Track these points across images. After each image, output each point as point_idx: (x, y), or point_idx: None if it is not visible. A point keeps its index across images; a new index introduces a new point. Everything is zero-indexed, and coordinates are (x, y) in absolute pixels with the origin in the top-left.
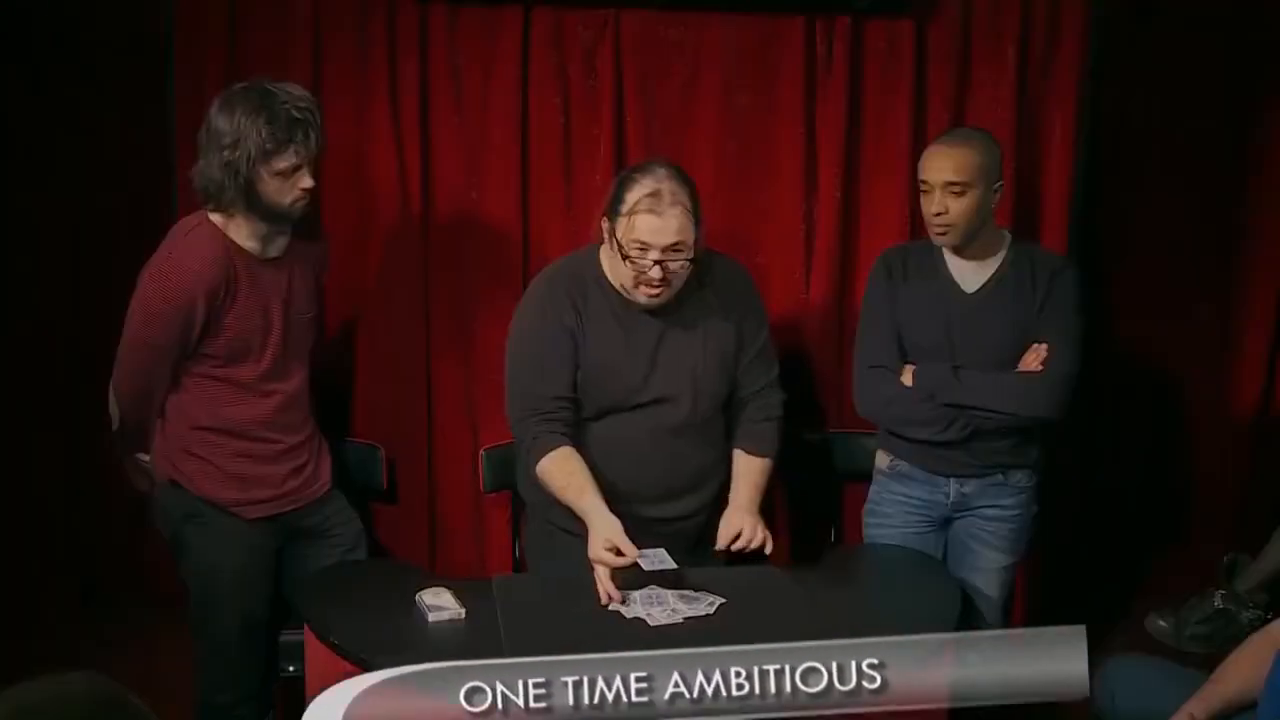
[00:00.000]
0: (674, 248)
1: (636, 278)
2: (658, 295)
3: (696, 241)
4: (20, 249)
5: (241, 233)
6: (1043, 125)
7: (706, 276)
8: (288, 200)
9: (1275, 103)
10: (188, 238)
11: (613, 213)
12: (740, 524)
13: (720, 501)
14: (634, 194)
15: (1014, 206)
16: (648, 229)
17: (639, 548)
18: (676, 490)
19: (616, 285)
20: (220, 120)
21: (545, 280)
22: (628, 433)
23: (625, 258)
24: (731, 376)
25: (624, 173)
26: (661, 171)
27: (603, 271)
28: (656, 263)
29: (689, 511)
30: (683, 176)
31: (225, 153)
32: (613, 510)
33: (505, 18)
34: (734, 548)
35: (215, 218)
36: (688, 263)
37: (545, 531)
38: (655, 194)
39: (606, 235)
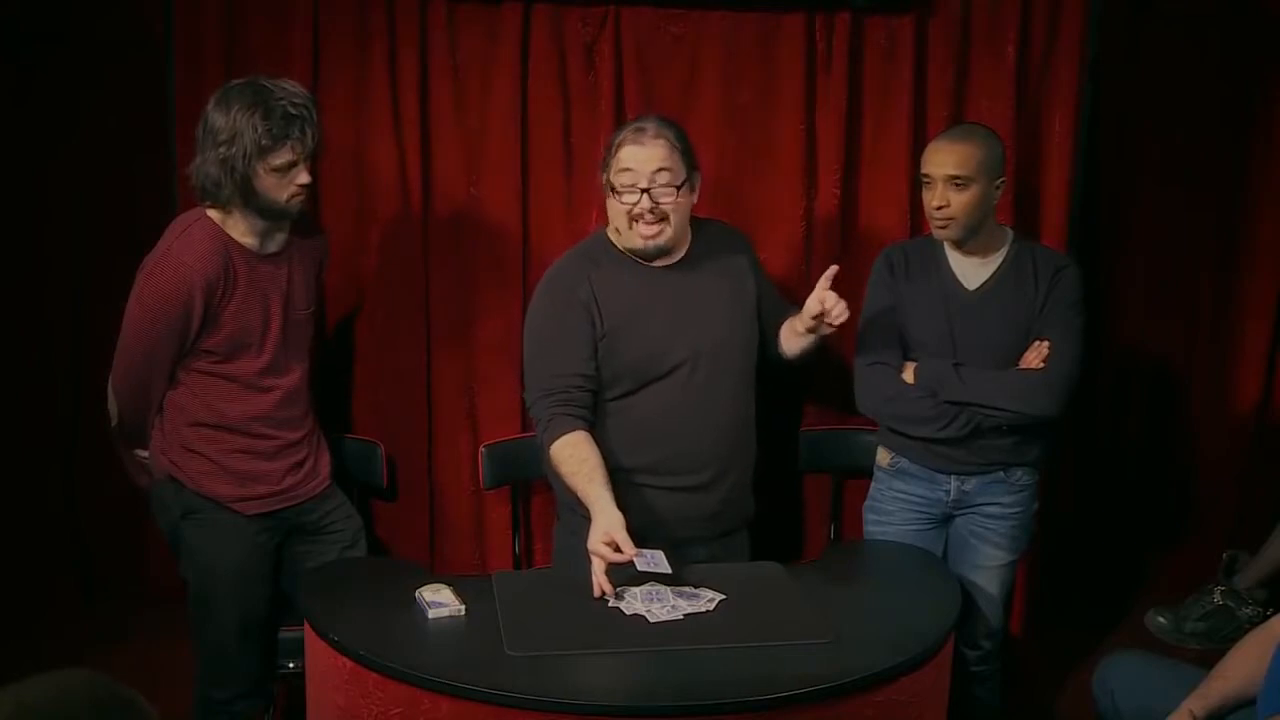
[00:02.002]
0: (659, 175)
1: (629, 212)
2: (655, 235)
3: (688, 183)
4: (20, 248)
5: (239, 229)
6: (1042, 123)
7: (711, 236)
8: (285, 196)
9: (1275, 102)
10: (185, 234)
11: (605, 163)
12: (834, 296)
13: (749, 478)
14: (621, 134)
15: (1014, 204)
16: (631, 157)
17: (645, 548)
18: (712, 456)
19: (625, 246)
20: (216, 117)
21: (556, 264)
22: (661, 404)
23: (615, 192)
24: (754, 323)
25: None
26: (649, 117)
27: (613, 244)
28: (644, 191)
29: (721, 474)
30: (671, 122)
31: (222, 149)
32: (648, 484)
33: (505, 13)
34: (832, 315)
35: (213, 214)
36: (675, 191)
37: (571, 529)
38: (639, 129)
39: (605, 189)
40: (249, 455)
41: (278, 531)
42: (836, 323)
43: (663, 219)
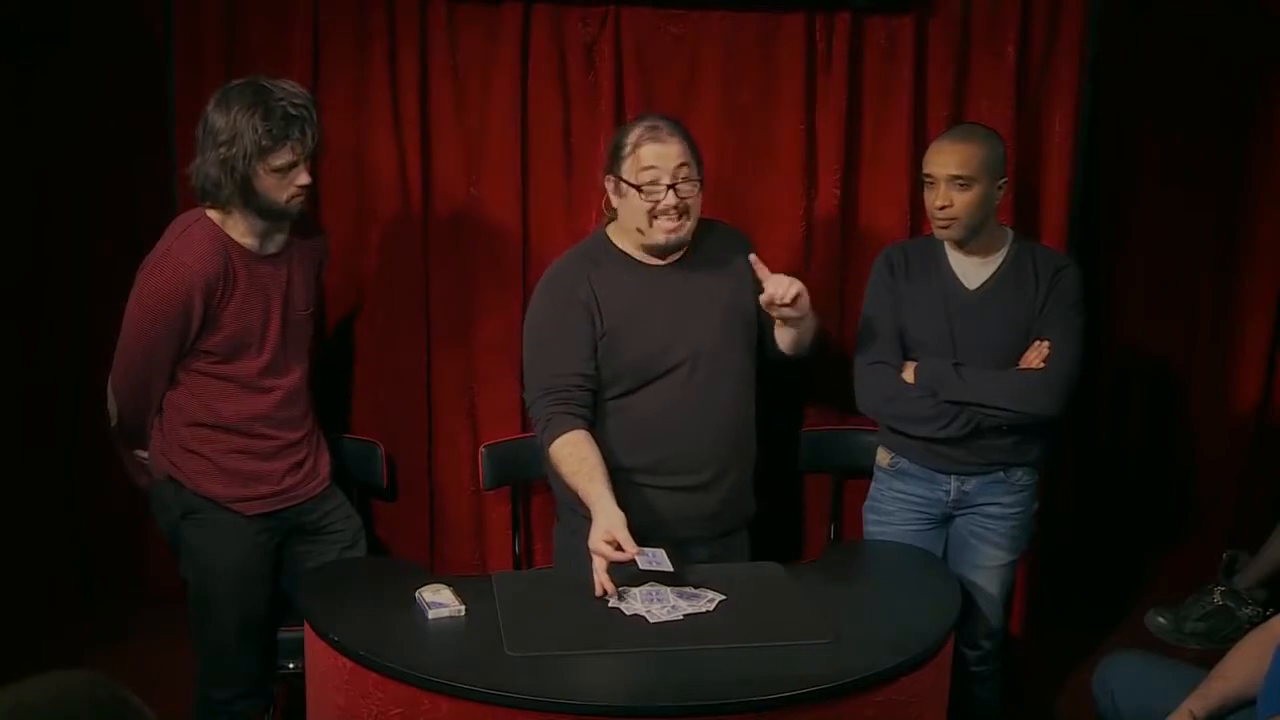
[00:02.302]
0: (682, 170)
1: (652, 210)
2: (677, 228)
3: (700, 182)
4: (20, 248)
5: (239, 229)
6: (1042, 123)
7: (712, 237)
8: (285, 197)
9: (1275, 102)
10: (185, 234)
11: (615, 161)
12: (774, 280)
13: (749, 478)
14: (633, 134)
15: (1014, 204)
16: (654, 154)
17: (646, 547)
18: (711, 456)
19: (630, 247)
20: (216, 117)
21: (556, 264)
22: (661, 403)
23: (638, 190)
24: (754, 323)
25: (618, 130)
26: (654, 115)
27: (613, 243)
28: (669, 187)
29: (721, 474)
30: (677, 120)
31: (222, 150)
32: (648, 484)
33: (505, 13)
34: (777, 297)
35: (212, 214)
36: (698, 185)
37: (572, 530)
38: (654, 126)
39: (612, 190)
40: (248, 455)
41: (277, 531)
42: (787, 299)
43: (684, 213)
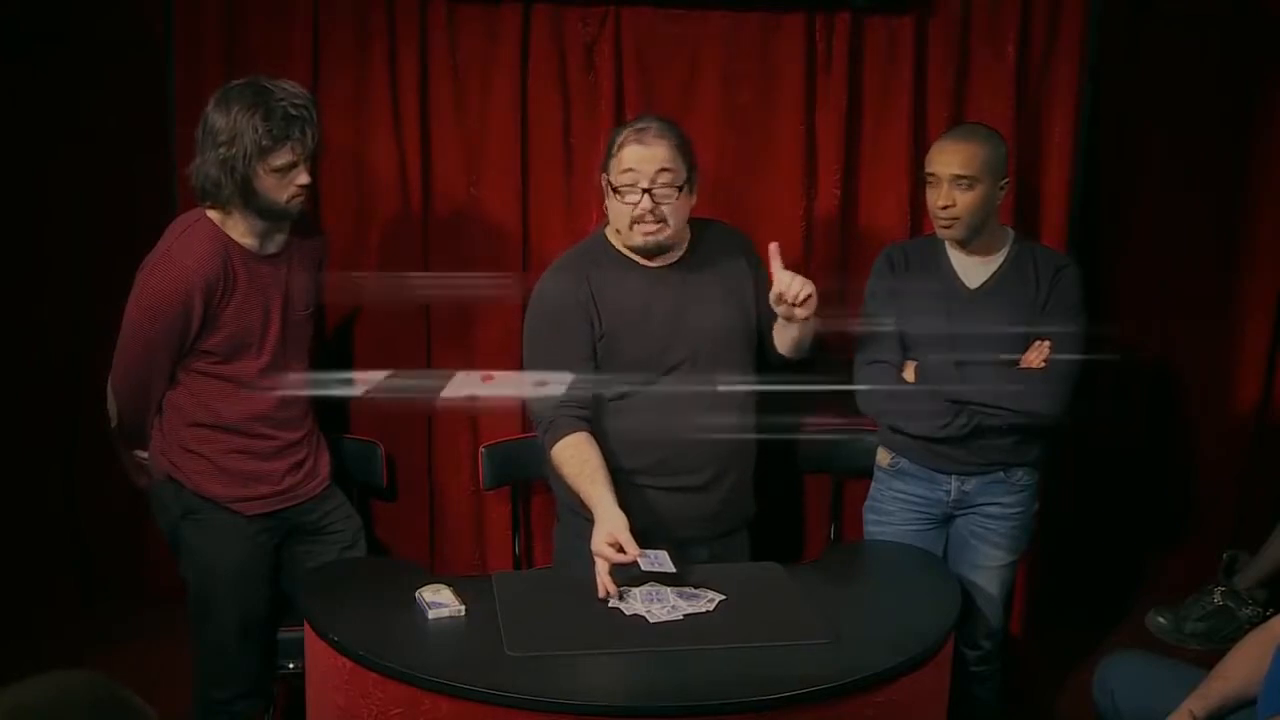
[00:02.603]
0: (662, 174)
1: (630, 212)
2: (654, 232)
3: (688, 184)
4: (20, 248)
5: (239, 229)
6: (1042, 123)
7: (712, 237)
8: (285, 197)
9: (1275, 102)
10: (185, 235)
11: (605, 161)
12: (789, 276)
13: (749, 478)
14: (621, 135)
15: (1014, 205)
16: (634, 157)
17: (648, 548)
18: (711, 457)
19: (623, 246)
20: (216, 117)
21: (554, 265)
22: (661, 403)
23: (617, 192)
24: (753, 324)
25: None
26: (649, 117)
27: (612, 244)
28: (646, 191)
29: (721, 474)
30: (671, 123)
31: (222, 150)
32: (648, 485)
33: (505, 13)
34: (788, 294)
35: (212, 214)
36: (677, 192)
37: (575, 532)
38: (641, 129)
39: (605, 189)
40: (248, 455)
41: (277, 532)
42: (799, 300)
43: (661, 219)
